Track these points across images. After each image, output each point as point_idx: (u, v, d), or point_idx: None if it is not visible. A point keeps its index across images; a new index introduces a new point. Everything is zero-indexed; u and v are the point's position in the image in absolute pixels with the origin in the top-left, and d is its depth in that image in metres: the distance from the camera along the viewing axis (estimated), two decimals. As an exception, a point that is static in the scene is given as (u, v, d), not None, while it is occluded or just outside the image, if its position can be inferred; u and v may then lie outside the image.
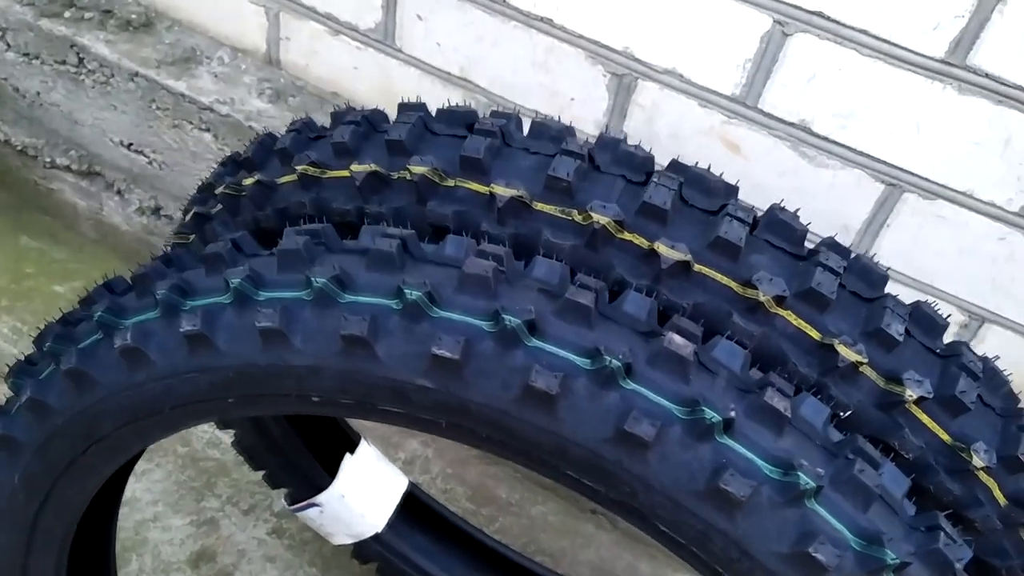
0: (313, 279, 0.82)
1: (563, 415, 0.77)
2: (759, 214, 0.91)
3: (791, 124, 1.60)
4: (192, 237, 1.17)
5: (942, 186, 1.55)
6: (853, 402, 0.83)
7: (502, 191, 0.88)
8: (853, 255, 0.91)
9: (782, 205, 0.94)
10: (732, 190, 0.94)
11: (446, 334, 0.78)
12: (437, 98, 1.90)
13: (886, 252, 1.65)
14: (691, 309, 0.84)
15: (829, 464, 0.76)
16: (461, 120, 0.97)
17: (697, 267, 0.85)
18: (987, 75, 1.41)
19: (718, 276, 0.85)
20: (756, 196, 1.70)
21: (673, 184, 0.88)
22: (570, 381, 0.76)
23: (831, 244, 0.91)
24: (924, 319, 0.88)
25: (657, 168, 0.96)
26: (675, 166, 0.95)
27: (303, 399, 0.85)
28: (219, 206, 1.08)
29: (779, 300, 0.83)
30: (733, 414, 0.74)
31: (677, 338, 0.77)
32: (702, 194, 0.90)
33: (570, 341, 0.78)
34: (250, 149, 1.13)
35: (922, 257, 1.63)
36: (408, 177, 0.93)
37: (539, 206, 0.88)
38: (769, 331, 0.84)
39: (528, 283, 0.82)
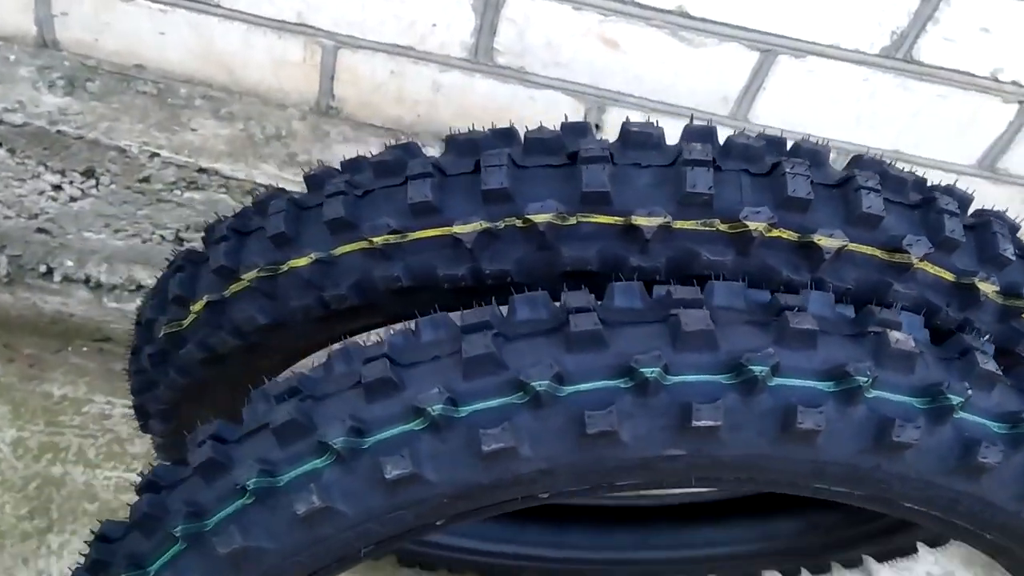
0: (527, 381, 0.72)
1: (822, 442, 0.76)
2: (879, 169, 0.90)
3: (668, 11, 1.58)
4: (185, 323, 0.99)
5: (811, 43, 1.61)
6: (988, 327, 0.89)
7: (646, 222, 0.81)
8: (946, 186, 0.94)
9: (889, 161, 0.94)
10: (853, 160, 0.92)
11: (696, 401, 0.73)
12: (271, 51, 1.67)
13: (763, 114, 1.72)
14: (853, 287, 0.84)
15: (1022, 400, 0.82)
16: (551, 147, 0.86)
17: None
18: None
19: (865, 249, 0.85)
20: (637, 85, 1.70)
21: (802, 169, 0.85)
22: (826, 410, 0.75)
23: (943, 189, 0.93)
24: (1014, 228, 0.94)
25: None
26: (781, 144, 0.91)
27: (529, 499, 0.77)
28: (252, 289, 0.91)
29: (925, 257, 0.85)
30: (970, 392, 0.77)
31: (896, 334, 0.77)
32: (820, 168, 0.88)
33: (805, 368, 0.76)
34: (263, 222, 0.95)
35: (796, 112, 1.71)
36: (519, 224, 0.83)
37: (678, 225, 0.83)
38: (918, 287, 0.86)
39: (734, 316, 0.78)
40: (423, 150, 0.95)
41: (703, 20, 1.59)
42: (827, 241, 0.82)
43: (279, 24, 1.63)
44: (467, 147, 0.88)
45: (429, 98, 1.71)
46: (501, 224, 0.83)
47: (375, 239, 0.85)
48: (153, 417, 1.14)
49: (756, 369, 0.73)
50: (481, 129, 0.91)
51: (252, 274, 0.92)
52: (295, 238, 0.90)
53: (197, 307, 0.97)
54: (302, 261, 0.89)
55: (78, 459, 1.74)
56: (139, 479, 0.85)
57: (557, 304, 0.79)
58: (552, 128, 0.88)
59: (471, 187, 0.85)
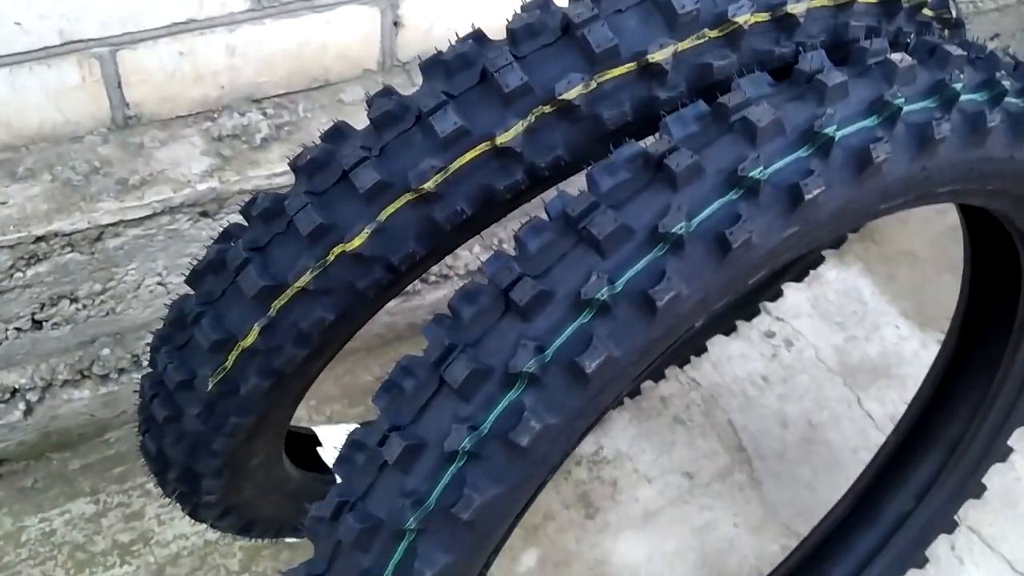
0: (666, 231, 0.76)
1: (886, 168, 0.85)
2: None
3: None
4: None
5: None
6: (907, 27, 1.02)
7: (661, 55, 0.84)
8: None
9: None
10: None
11: (798, 180, 0.80)
12: (44, 85, 1.49)
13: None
14: (823, 39, 0.93)
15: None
16: (536, 30, 0.86)
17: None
18: None
19: (819, 3, 0.93)
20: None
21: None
22: (883, 140, 0.84)
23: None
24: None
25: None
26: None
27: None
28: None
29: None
30: (961, 77, 0.89)
31: (894, 56, 0.88)
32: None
33: (854, 113, 0.84)
34: (283, 224, 0.88)
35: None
36: (550, 109, 0.84)
37: (682, 47, 0.87)
38: (864, 18, 0.96)
39: (775, 100, 0.84)
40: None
41: None
42: (796, 7, 0.90)
43: (43, 52, 1.45)
44: (457, 63, 0.86)
45: (227, 64, 1.61)
46: (532, 118, 0.84)
47: (423, 185, 0.83)
48: (207, 477, 1.07)
49: (826, 132, 0.81)
50: (449, 45, 0.89)
51: (306, 277, 0.87)
52: (332, 224, 0.86)
53: (247, 341, 0.91)
54: (357, 241, 0.85)
55: (52, 587, 1.60)
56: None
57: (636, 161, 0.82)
58: (519, 14, 0.88)
59: (488, 96, 0.84)
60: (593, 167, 0.81)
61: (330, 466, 1.45)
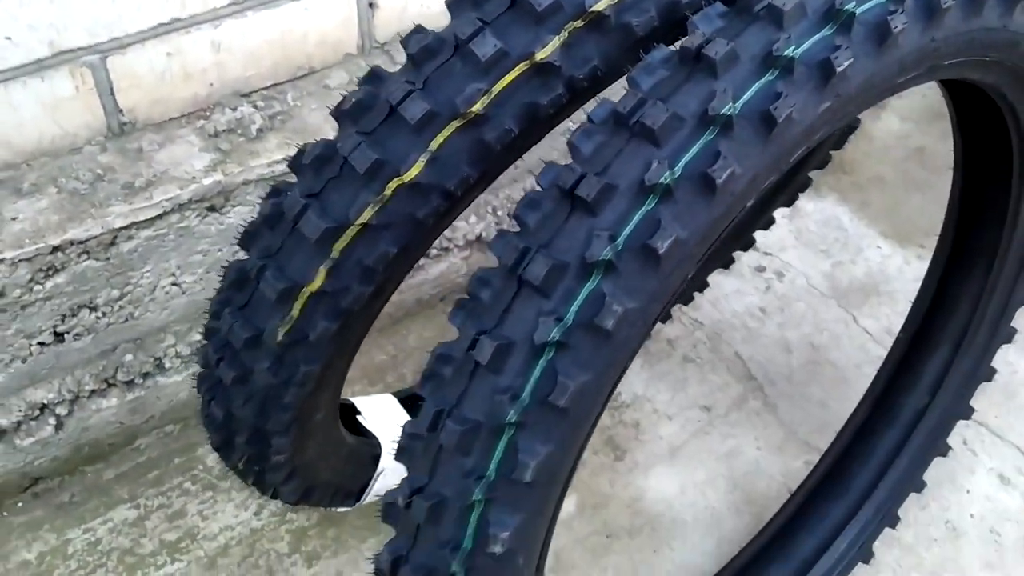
0: (714, 112, 0.81)
1: (902, 40, 0.91)
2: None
3: None
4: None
5: None
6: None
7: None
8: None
9: None
10: None
11: (828, 55, 0.85)
12: (40, 99, 1.50)
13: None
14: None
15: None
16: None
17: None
18: None
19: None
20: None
21: None
22: (899, 10, 0.89)
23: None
24: None
25: None
26: None
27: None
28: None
29: None
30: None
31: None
32: None
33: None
34: (338, 165, 0.90)
35: None
36: (581, 23, 0.88)
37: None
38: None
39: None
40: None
41: None
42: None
43: (36, 65, 1.46)
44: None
45: (214, 61, 1.62)
46: (566, 33, 0.88)
47: (471, 109, 0.87)
48: (277, 435, 1.09)
49: (847, 9, 0.86)
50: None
51: (367, 213, 0.90)
52: (387, 159, 0.89)
53: (313, 286, 0.93)
54: (413, 171, 0.88)
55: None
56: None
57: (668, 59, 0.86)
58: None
59: (521, 17, 0.88)
60: (633, 70, 0.85)
61: (372, 431, 1.48)
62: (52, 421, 1.62)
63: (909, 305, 1.71)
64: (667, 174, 0.78)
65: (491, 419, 0.81)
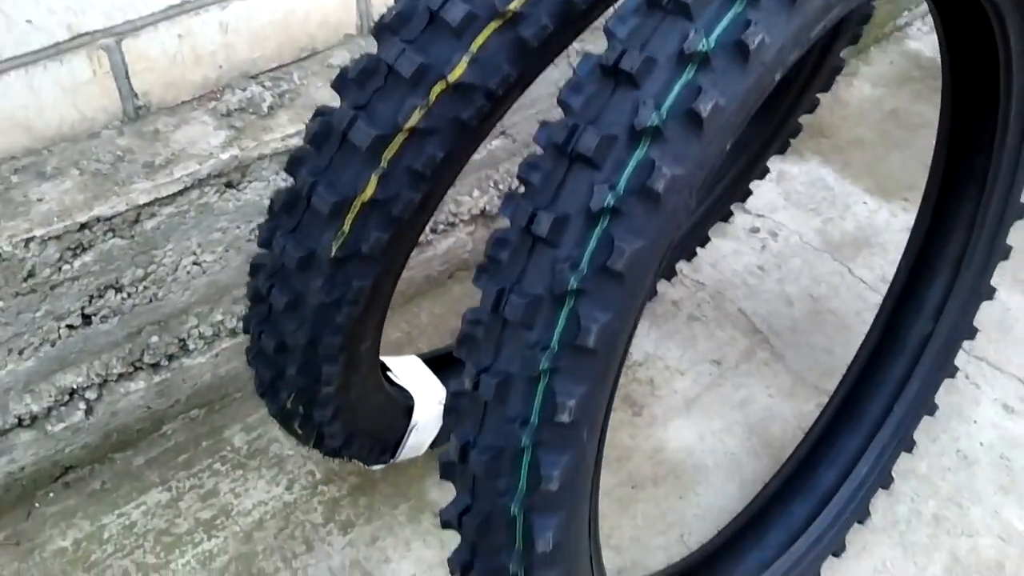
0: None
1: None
2: None
3: None
4: None
5: None
6: None
7: None
8: None
9: None
10: None
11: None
12: (59, 82, 1.53)
13: None
14: None
15: None
16: None
17: None
18: None
19: None
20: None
21: None
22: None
23: None
24: None
25: None
26: None
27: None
28: None
29: None
30: None
31: None
32: None
33: None
34: (384, 76, 0.94)
35: None
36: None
37: None
38: None
39: None
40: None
41: None
42: None
43: (55, 49, 1.50)
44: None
45: (222, 43, 1.67)
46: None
47: (508, 8, 0.92)
48: (327, 362, 1.12)
49: None
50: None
51: (415, 117, 0.94)
52: (430, 63, 0.94)
53: (365, 194, 0.97)
54: (456, 72, 0.93)
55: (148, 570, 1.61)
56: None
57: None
58: None
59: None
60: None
61: (404, 386, 1.52)
62: (82, 406, 1.63)
63: (900, 255, 1.77)
64: (703, 42, 0.84)
65: (552, 289, 0.85)
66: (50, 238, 1.46)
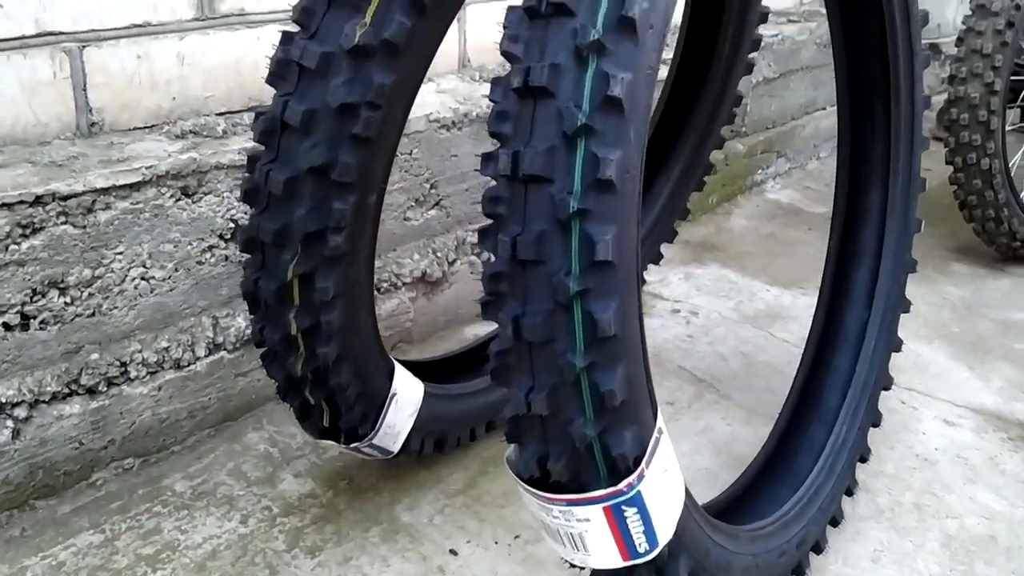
0: None
1: None
2: None
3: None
4: None
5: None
6: None
7: None
8: None
9: None
10: None
11: None
12: (19, 77, 1.52)
13: None
14: None
15: None
16: None
17: None
18: None
19: None
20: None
21: None
22: None
23: None
24: None
25: None
26: None
27: None
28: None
29: None
30: None
31: None
32: None
33: None
34: None
35: None
36: None
37: None
38: None
39: None
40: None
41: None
42: None
43: (20, 41, 1.51)
44: None
45: (178, 74, 1.72)
46: None
47: None
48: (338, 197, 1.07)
49: None
50: None
51: None
52: None
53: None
54: None
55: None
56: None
57: None
58: None
59: None
60: None
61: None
62: (9, 425, 1.44)
63: (809, 326, 1.85)
64: None
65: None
66: (3, 204, 1.37)
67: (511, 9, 0.99)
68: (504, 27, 0.98)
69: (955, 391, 2.11)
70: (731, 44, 1.89)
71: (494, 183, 0.95)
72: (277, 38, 1.83)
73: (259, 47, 1.80)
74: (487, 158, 0.95)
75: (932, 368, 2.20)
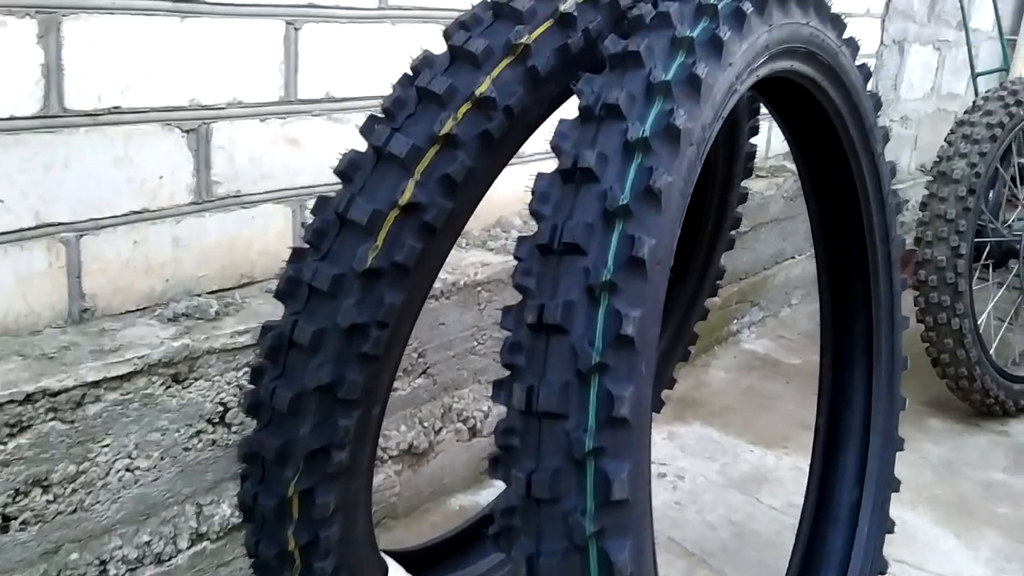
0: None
1: None
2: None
3: (320, 100, 1.92)
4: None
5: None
6: None
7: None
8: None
9: None
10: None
11: None
12: (16, 269, 1.51)
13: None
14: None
15: None
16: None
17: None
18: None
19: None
20: (320, 174, 1.97)
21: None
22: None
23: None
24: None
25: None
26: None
27: None
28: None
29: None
30: None
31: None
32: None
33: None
34: None
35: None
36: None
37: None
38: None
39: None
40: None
41: (345, 99, 1.96)
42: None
43: (18, 234, 1.51)
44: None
45: (172, 256, 1.72)
46: None
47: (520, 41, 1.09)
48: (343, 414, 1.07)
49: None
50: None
51: (448, 125, 1.05)
52: (457, 87, 1.08)
53: (404, 198, 1.03)
54: (483, 87, 1.06)
55: None
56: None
57: None
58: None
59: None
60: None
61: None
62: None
63: (799, 487, 1.87)
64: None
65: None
66: (-11, 406, 1.34)
67: (521, 241, 1.00)
68: (517, 258, 0.99)
69: (945, 561, 2.09)
70: (714, 220, 1.94)
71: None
72: (270, 217, 1.87)
73: (253, 226, 1.82)
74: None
75: (920, 536, 2.19)
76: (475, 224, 2.23)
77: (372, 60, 1.95)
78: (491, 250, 2.26)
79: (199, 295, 1.75)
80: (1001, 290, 3.01)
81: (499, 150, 1.11)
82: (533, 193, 1.03)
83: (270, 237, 1.85)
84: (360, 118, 1.85)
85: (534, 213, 1.00)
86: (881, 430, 1.78)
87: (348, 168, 1.11)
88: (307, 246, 1.11)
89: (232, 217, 1.78)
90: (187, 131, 1.67)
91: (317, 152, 1.90)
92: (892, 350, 1.79)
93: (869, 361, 1.78)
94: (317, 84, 1.87)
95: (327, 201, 1.11)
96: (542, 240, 0.97)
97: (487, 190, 1.16)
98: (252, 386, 1.15)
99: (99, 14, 1.51)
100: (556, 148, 1.02)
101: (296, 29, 1.80)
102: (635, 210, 0.96)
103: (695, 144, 1.02)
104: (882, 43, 4.06)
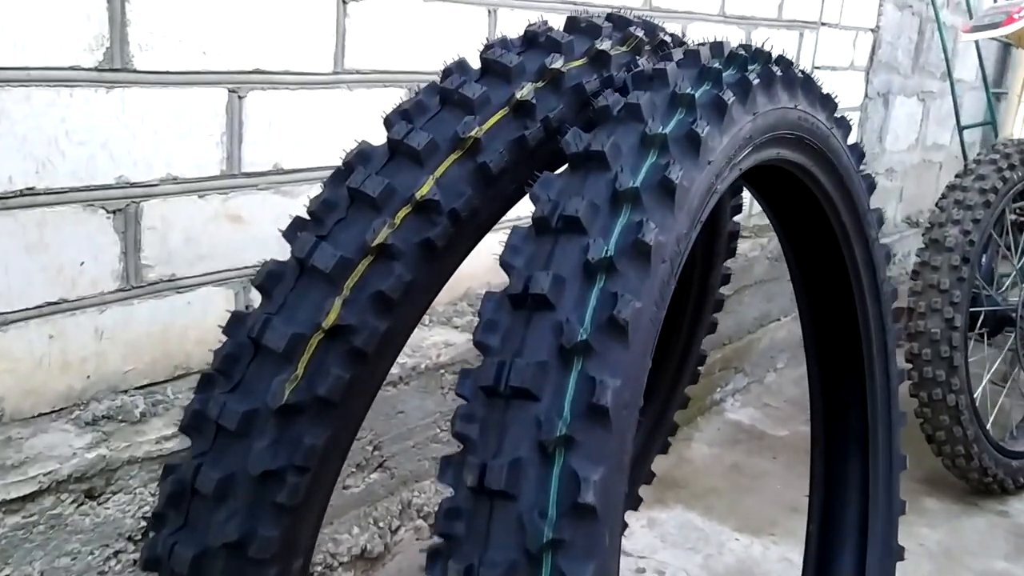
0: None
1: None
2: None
3: (267, 172, 1.76)
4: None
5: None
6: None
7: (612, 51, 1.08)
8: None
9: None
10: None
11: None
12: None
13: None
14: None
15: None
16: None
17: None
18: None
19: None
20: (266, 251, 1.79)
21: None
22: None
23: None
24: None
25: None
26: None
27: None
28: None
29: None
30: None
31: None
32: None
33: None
34: None
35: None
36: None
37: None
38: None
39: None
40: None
41: (293, 171, 1.80)
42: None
43: (-89, 335, 1.33)
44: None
45: (95, 350, 1.54)
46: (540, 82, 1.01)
47: (469, 134, 0.94)
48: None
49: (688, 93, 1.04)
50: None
51: (384, 233, 0.88)
52: (395, 188, 0.92)
53: (328, 320, 0.86)
54: (424, 189, 0.90)
55: None
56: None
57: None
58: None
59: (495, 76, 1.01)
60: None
61: None
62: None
63: None
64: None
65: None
66: None
67: (464, 375, 0.84)
68: (459, 395, 0.83)
69: (949, 672, 1.91)
70: (694, 305, 1.79)
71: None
72: (209, 301, 1.70)
73: (189, 312, 1.65)
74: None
75: None
76: (441, 298, 2.06)
77: (327, 127, 1.80)
78: (456, 327, 2.10)
79: (125, 391, 1.57)
80: (997, 361, 2.86)
81: (444, 259, 0.95)
82: (479, 316, 0.86)
83: (209, 323, 1.68)
84: (314, 190, 1.69)
85: (478, 344, 0.83)
86: (880, 536, 1.61)
87: (267, 281, 0.94)
88: (216, 373, 0.94)
89: (165, 303, 1.61)
90: (113, 211, 1.50)
91: (263, 228, 1.73)
92: (890, 448, 1.63)
93: (864, 459, 1.62)
94: (264, 155, 1.71)
95: (241, 319, 0.94)
96: (486, 381, 0.80)
97: (431, 302, 1.00)
98: (152, 533, 0.97)
99: (10, 87, 1.35)
100: (505, 265, 0.86)
101: (240, 97, 1.64)
102: (597, 345, 0.79)
103: (668, 260, 0.86)
104: (867, 95, 3.96)
